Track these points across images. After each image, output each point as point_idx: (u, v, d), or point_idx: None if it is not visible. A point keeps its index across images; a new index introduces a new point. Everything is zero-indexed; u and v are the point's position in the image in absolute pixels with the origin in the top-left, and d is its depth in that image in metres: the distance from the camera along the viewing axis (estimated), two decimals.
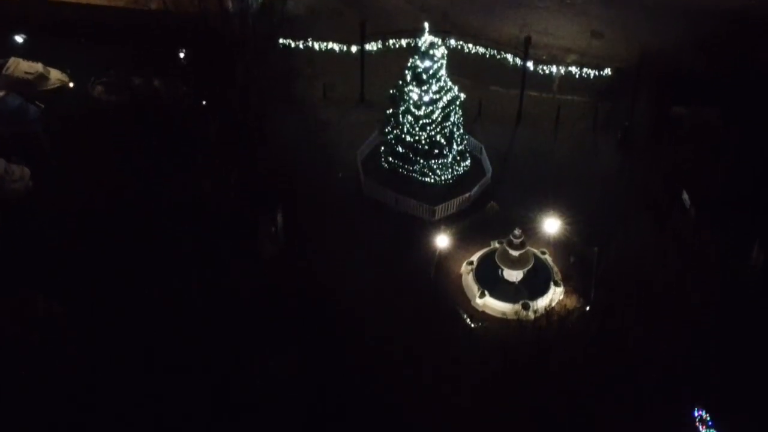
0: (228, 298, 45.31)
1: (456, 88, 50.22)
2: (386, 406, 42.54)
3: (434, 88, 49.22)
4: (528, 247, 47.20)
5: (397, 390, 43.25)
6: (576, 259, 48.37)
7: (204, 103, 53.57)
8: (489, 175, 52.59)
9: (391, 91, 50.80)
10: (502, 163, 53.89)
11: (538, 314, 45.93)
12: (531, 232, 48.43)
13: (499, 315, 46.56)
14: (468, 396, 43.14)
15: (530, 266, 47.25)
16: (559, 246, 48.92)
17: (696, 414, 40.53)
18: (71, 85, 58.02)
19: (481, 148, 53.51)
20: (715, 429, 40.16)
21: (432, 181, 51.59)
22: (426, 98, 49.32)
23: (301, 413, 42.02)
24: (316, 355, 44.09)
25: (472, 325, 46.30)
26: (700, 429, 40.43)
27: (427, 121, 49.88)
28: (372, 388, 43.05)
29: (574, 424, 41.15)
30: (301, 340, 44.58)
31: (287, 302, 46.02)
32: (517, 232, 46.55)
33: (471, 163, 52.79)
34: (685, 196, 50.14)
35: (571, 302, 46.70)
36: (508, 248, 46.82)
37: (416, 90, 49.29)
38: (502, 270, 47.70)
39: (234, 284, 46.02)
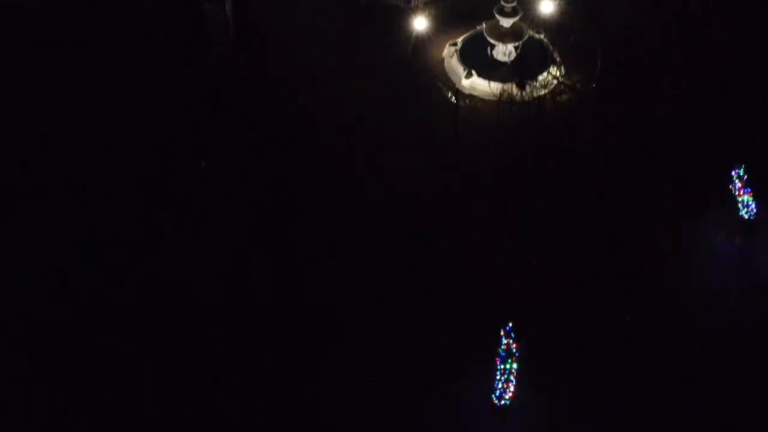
0: (171, 102, 39.22)
1: None
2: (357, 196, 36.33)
3: None
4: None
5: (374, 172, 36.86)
6: (576, 38, 41.38)
7: None
8: None
9: None
10: None
11: (536, 93, 39.29)
12: (524, 16, 41.29)
13: (489, 97, 39.51)
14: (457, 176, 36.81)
15: (524, 39, 40.29)
16: (557, 26, 41.86)
17: (734, 171, 33.90)
18: None
19: None
20: (751, 187, 33.70)
21: None
22: None
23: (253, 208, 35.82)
24: (271, 142, 37.66)
25: (460, 103, 39.16)
26: (737, 192, 33.83)
27: None
28: (341, 175, 36.84)
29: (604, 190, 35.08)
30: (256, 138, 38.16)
31: (240, 106, 39.54)
32: None
33: None
34: None
35: (574, 80, 39.76)
36: (498, 15, 39.81)
37: None
38: (492, 48, 40.73)
39: (178, 86, 39.71)
